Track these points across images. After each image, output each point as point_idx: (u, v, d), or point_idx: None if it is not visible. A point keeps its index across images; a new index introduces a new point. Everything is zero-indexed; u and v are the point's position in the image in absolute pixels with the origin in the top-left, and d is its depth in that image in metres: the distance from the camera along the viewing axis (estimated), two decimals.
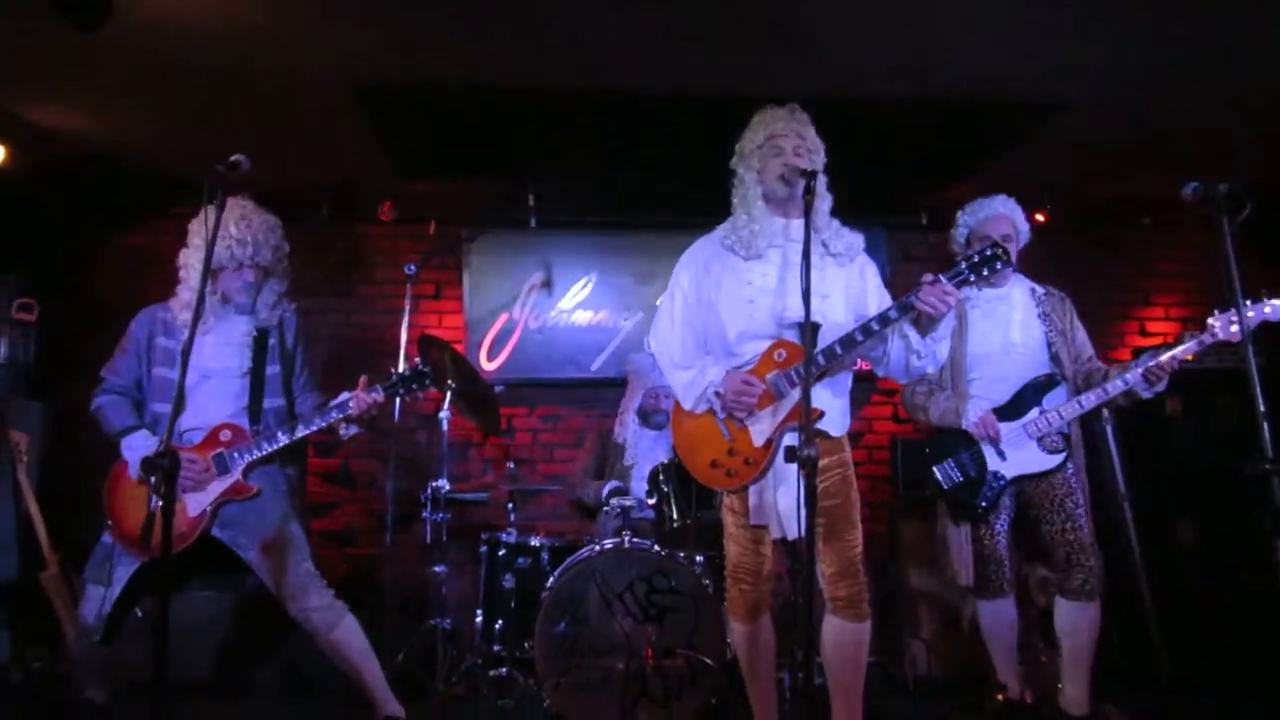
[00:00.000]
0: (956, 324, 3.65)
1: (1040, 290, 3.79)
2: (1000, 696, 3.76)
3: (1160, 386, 3.44)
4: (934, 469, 3.70)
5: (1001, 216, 3.71)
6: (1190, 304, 5.78)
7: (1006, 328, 3.70)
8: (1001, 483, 3.59)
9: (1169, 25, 3.58)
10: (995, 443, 3.57)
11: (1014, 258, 3.64)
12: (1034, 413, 3.58)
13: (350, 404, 3.30)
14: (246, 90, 4.08)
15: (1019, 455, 3.58)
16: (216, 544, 3.32)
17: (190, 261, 3.39)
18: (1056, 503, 3.55)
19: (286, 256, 3.55)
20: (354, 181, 5.31)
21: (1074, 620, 3.50)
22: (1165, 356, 3.39)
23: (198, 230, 3.37)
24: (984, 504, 3.59)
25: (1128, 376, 3.45)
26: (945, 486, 3.67)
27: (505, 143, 4.80)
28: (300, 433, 3.31)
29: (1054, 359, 3.68)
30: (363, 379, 3.34)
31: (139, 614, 3.55)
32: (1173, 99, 4.18)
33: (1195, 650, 4.37)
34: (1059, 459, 3.55)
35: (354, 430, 3.43)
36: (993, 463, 3.60)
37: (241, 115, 4.36)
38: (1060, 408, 3.55)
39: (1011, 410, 3.60)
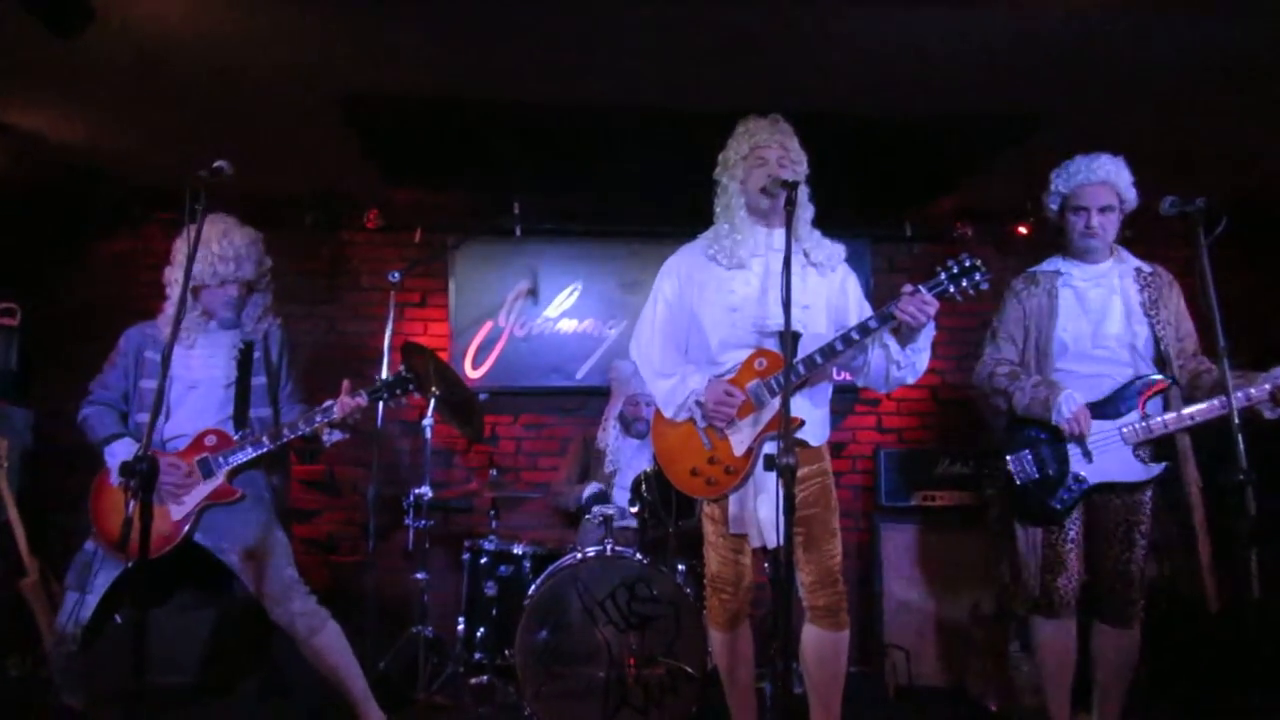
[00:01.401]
0: (1046, 302, 3.32)
1: (1147, 270, 3.32)
2: None
3: None
4: (1007, 458, 3.26)
5: (1102, 185, 3.24)
6: None
7: (1101, 316, 3.25)
8: (1083, 487, 3.16)
9: (1148, 39, 3.61)
10: (1082, 441, 3.15)
11: (1117, 229, 3.30)
12: (1133, 415, 3.14)
13: (334, 409, 3.31)
14: (230, 97, 4.08)
15: (1107, 460, 3.14)
16: (202, 553, 3.33)
17: (174, 278, 3.43)
18: (1123, 530, 3.18)
19: (270, 271, 3.58)
20: (339, 189, 5.31)
21: (1109, 646, 3.24)
22: None
23: (181, 248, 3.39)
24: (1059, 506, 3.17)
25: (1252, 392, 2.98)
26: (1018, 480, 3.23)
27: (490, 152, 4.80)
28: (285, 438, 3.33)
29: (1160, 359, 3.22)
30: (346, 383, 3.36)
31: (118, 620, 3.54)
32: (1153, 112, 4.22)
33: (1173, 659, 4.38)
34: (1153, 471, 3.13)
35: (337, 436, 3.46)
36: (1076, 463, 3.17)
37: (225, 122, 4.36)
38: (1166, 416, 3.11)
39: (1109, 408, 3.16)
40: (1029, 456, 3.22)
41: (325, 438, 3.43)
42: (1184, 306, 3.32)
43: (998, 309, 3.48)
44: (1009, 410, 3.29)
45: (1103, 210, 3.24)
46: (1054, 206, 3.36)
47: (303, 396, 3.62)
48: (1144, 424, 3.12)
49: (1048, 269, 3.40)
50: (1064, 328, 3.26)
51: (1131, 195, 3.27)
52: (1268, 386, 2.98)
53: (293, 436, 3.34)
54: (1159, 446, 3.16)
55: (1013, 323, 3.39)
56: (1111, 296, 3.26)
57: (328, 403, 3.35)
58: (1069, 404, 3.12)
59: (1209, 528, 3.18)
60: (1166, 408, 3.17)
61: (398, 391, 3.39)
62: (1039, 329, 3.30)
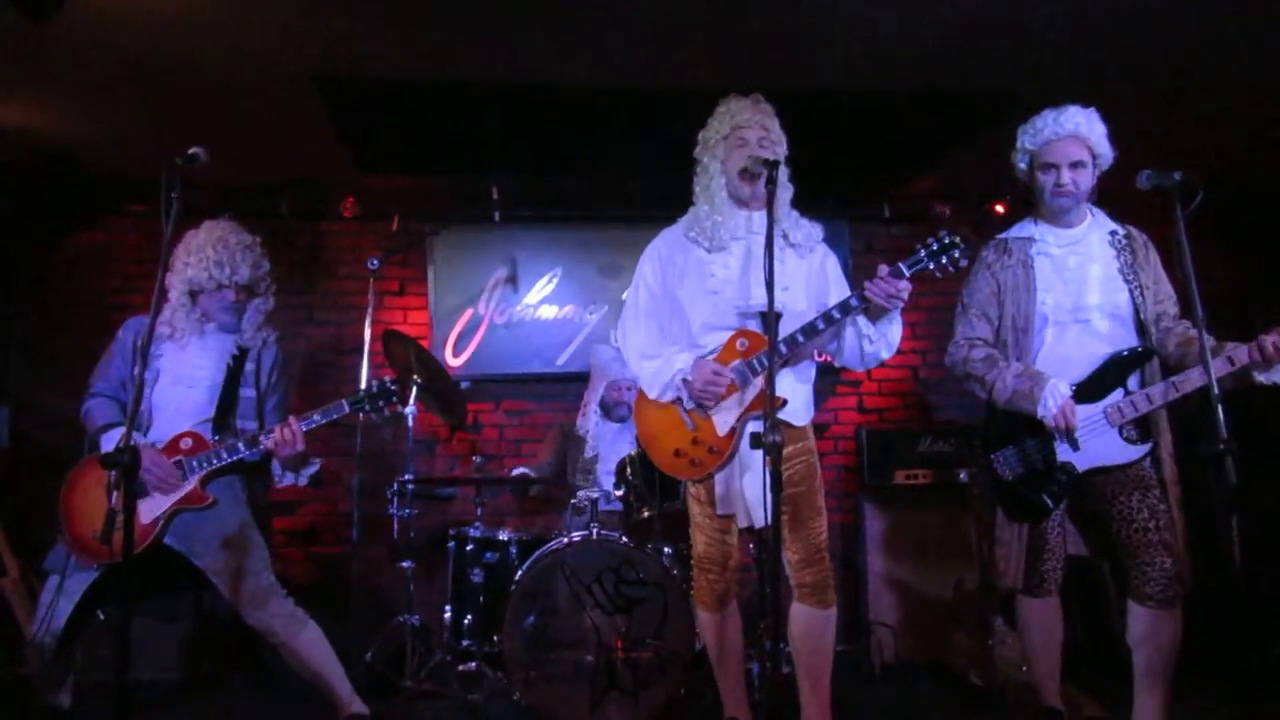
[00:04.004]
0: (1022, 274, 3.10)
1: (1120, 232, 3.13)
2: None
3: None
4: (992, 458, 3.11)
5: (1071, 139, 3.01)
6: None
7: (1081, 286, 3.05)
8: (1071, 477, 2.99)
9: (1129, 15, 3.62)
10: (1070, 435, 2.98)
11: (1091, 186, 3.08)
12: (1117, 395, 2.96)
13: (263, 440, 3.28)
14: (203, 84, 4.02)
15: (1094, 445, 2.97)
16: (175, 559, 3.28)
17: (174, 283, 3.44)
18: (1135, 500, 2.95)
19: (269, 275, 3.58)
20: (315, 177, 5.26)
21: (1148, 629, 2.94)
22: None
23: (181, 255, 3.43)
24: (1050, 501, 3.01)
25: (1238, 353, 2.81)
26: (1006, 478, 3.07)
27: (467, 137, 4.77)
28: (263, 444, 3.29)
29: (1141, 327, 3.04)
30: (291, 419, 3.31)
31: (101, 616, 3.51)
32: (1129, 88, 4.23)
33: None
34: (1142, 450, 2.96)
35: (289, 479, 3.45)
36: (1063, 453, 3.01)
37: (199, 110, 4.30)
38: (1150, 391, 2.92)
39: (1091, 390, 2.98)
40: (1013, 452, 3.07)
41: (278, 479, 3.45)
42: (1162, 268, 3.13)
43: (966, 281, 3.26)
44: (988, 400, 3.13)
45: (1074, 166, 3.02)
46: (1022, 166, 3.14)
47: (286, 413, 3.51)
48: (1129, 402, 2.94)
49: (1020, 235, 3.19)
50: (1043, 300, 3.06)
51: (1106, 149, 3.05)
52: (1255, 346, 2.79)
53: (252, 455, 3.30)
54: (1144, 423, 2.99)
55: (985, 297, 3.18)
56: (1089, 263, 3.07)
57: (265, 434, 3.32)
58: (1054, 396, 2.93)
59: (1181, 503, 2.99)
60: (1144, 382, 3.02)
61: (380, 403, 3.36)
62: (1016, 304, 3.10)
